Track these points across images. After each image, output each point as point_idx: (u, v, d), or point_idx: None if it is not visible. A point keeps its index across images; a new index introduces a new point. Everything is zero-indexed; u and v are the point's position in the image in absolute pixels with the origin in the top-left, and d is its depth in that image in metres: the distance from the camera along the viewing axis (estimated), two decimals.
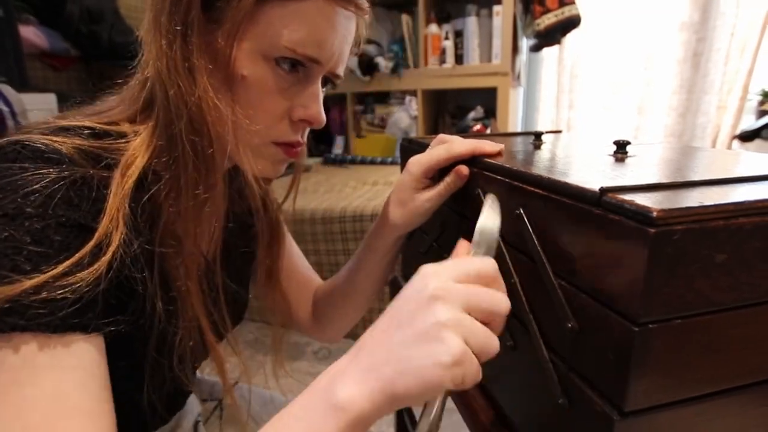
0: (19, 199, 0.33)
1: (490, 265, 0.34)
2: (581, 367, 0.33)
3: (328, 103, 2.68)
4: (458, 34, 2.17)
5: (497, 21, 2.05)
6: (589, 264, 0.31)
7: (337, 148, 2.61)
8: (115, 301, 0.38)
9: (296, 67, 0.42)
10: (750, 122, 2.06)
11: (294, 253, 0.68)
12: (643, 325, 0.27)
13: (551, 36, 2.04)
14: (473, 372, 0.30)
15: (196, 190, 0.41)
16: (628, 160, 0.42)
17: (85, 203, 0.36)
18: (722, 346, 0.30)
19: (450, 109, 2.52)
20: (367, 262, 0.59)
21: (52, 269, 0.32)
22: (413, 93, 2.33)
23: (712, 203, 0.26)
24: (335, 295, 0.64)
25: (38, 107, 1.61)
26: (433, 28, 2.17)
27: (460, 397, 0.52)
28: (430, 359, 0.28)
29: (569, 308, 0.33)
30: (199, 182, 0.41)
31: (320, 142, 2.70)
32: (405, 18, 2.24)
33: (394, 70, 2.26)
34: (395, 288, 0.81)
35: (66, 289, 0.32)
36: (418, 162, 0.50)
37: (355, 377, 0.30)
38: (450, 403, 0.49)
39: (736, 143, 2.07)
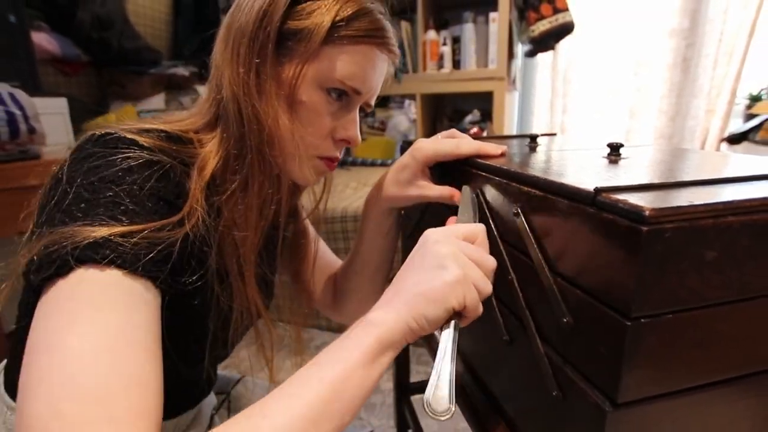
0: (120, 172, 0.39)
1: (477, 227, 0.42)
2: (575, 361, 0.33)
3: None
4: (456, 40, 2.16)
5: (493, 27, 2.04)
6: (583, 261, 0.31)
7: None
8: (185, 267, 0.43)
9: (342, 96, 0.50)
10: (738, 125, 2.06)
11: (316, 239, 0.72)
12: (635, 320, 0.27)
13: (545, 42, 2.04)
14: (473, 296, 0.37)
15: (262, 188, 0.49)
16: (621, 162, 0.42)
17: (171, 185, 0.43)
18: (711, 340, 0.30)
19: (448, 113, 2.52)
20: (367, 231, 0.64)
21: (142, 225, 0.38)
22: (412, 97, 2.33)
23: (702, 202, 0.27)
24: (349, 272, 0.69)
25: (50, 111, 1.61)
26: (432, 34, 2.17)
27: (460, 395, 0.52)
28: (437, 280, 0.36)
29: (564, 304, 0.33)
30: (265, 182, 0.49)
31: None
32: (404, 25, 2.24)
33: (394, 75, 2.25)
34: None
35: (149, 240, 0.37)
36: (423, 151, 0.54)
37: (382, 305, 0.38)
38: None
39: (724, 145, 2.07)
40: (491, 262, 0.39)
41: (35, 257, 0.36)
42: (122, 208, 0.38)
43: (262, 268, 0.56)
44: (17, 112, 1.31)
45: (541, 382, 0.37)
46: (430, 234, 0.40)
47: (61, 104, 1.70)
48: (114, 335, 0.33)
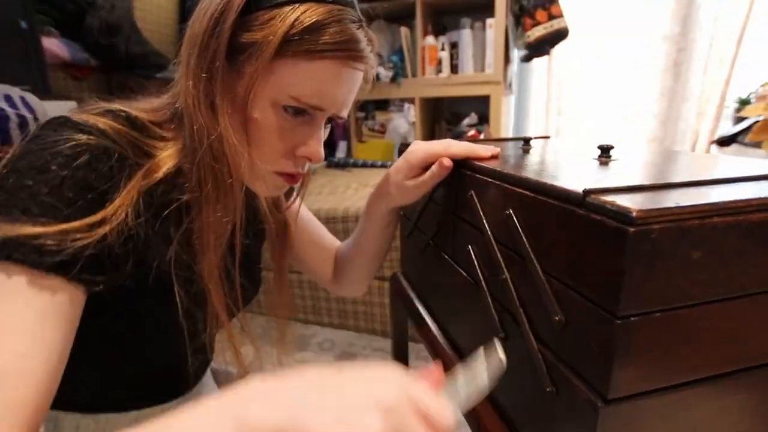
0: (48, 157, 0.37)
1: (450, 420, 0.29)
2: (568, 358, 0.33)
3: None
4: (454, 46, 2.17)
5: (490, 33, 2.04)
6: (574, 260, 0.31)
7: (340, 152, 2.61)
8: (108, 266, 0.40)
9: (301, 113, 0.45)
10: (727, 128, 2.05)
11: (313, 222, 0.72)
12: (624, 318, 0.27)
13: (541, 47, 2.04)
14: None
15: (216, 209, 0.45)
16: (611, 164, 0.42)
17: (103, 173, 0.39)
18: (699, 337, 0.30)
19: (446, 116, 2.52)
20: (368, 227, 0.63)
21: (55, 223, 0.35)
22: (411, 101, 2.32)
23: (688, 204, 0.26)
24: (348, 258, 0.69)
25: (60, 114, 1.61)
26: (430, 39, 2.17)
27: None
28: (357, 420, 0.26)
29: (556, 302, 0.33)
30: (219, 202, 0.45)
31: (324, 146, 2.69)
32: (404, 30, 2.24)
33: (394, 79, 2.26)
34: (395, 283, 0.81)
35: (60, 243, 0.35)
36: (415, 153, 0.53)
37: (271, 405, 0.27)
38: None
39: (714, 148, 2.06)
40: None
41: None
42: (38, 199, 0.35)
43: (227, 270, 0.51)
44: (28, 115, 1.31)
45: (535, 377, 0.37)
46: (390, 378, 0.29)
47: (70, 107, 1.70)
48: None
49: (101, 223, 0.38)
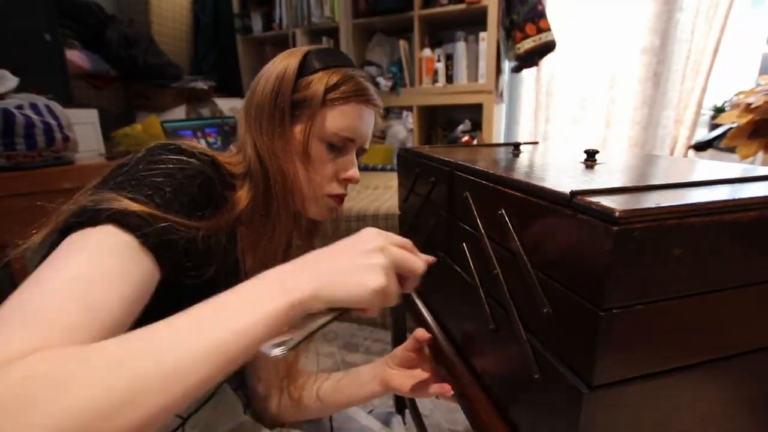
0: (177, 169, 0.46)
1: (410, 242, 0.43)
2: (555, 347, 0.33)
3: None
4: (449, 57, 2.17)
5: (483, 46, 2.05)
6: (561, 257, 0.31)
7: None
8: (185, 263, 0.44)
9: (338, 148, 0.58)
10: (703, 134, 2.06)
11: None
12: (607, 310, 0.27)
13: (530, 59, 2.04)
14: (390, 301, 0.37)
15: (287, 227, 0.56)
16: (596, 167, 0.42)
17: (206, 195, 0.48)
18: (678, 328, 0.30)
19: (441, 123, 2.52)
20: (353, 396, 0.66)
21: (169, 215, 0.42)
22: (409, 108, 2.33)
23: (668, 204, 0.27)
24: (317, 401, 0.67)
25: (82, 121, 1.61)
26: (427, 51, 2.18)
27: (451, 378, 0.52)
28: (362, 282, 0.35)
29: (544, 295, 0.33)
30: (288, 222, 0.56)
31: None
32: (402, 43, 2.24)
33: (393, 89, 2.26)
34: None
35: (166, 227, 0.41)
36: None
37: (302, 275, 0.35)
38: None
39: (691, 153, 2.07)
40: (419, 269, 0.40)
41: (78, 208, 0.39)
42: (162, 193, 0.43)
43: None
44: (53, 122, 1.31)
45: (524, 366, 0.37)
46: (373, 236, 0.39)
47: (92, 115, 1.70)
48: (98, 271, 0.35)
49: (198, 228, 0.45)
